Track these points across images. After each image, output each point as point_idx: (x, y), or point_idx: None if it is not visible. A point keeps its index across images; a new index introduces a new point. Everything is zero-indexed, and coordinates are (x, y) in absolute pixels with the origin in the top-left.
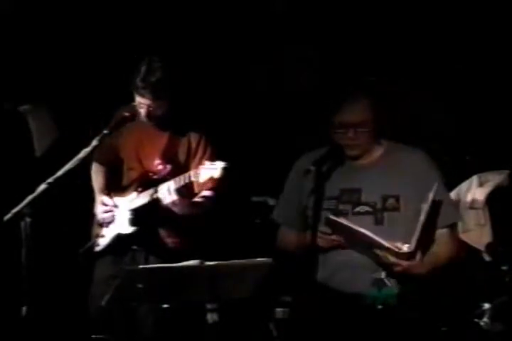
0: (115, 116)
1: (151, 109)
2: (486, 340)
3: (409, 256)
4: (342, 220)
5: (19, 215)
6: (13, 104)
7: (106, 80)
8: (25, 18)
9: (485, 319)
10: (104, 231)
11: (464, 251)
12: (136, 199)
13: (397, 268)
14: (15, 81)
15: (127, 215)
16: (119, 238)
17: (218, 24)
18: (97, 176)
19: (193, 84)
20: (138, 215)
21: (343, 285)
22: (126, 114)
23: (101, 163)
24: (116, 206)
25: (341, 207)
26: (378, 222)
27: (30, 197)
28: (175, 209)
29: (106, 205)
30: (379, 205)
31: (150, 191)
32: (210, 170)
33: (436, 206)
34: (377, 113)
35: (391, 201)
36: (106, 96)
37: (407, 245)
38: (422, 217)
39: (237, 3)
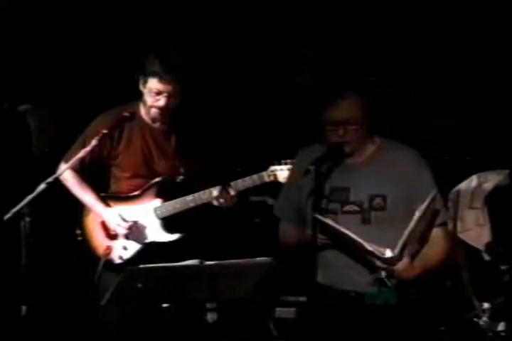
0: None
1: (171, 97)
2: (485, 340)
3: (391, 261)
4: (328, 220)
5: (19, 215)
6: (13, 104)
7: (106, 80)
8: (25, 18)
9: (484, 318)
10: (123, 243)
11: (456, 251)
12: (166, 206)
13: (384, 273)
14: (14, 81)
15: (158, 223)
16: (152, 247)
17: (218, 24)
18: (81, 185)
19: (192, 83)
20: (177, 222)
21: (337, 285)
22: (126, 114)
23: (78, 171)
24: (135, 221)
25: (331, 205)
26: (366, 221)
27: (29, 197)
28: (227, 207)
29: (126, 221)
30: (366, 204)
31: (192, 196)
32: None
33: (429, 212)
34: (367, 110)
35: (378, 200)
36: (106, 96)
37: (388, 250)
38: (411, 226)
39: (237, 4)
